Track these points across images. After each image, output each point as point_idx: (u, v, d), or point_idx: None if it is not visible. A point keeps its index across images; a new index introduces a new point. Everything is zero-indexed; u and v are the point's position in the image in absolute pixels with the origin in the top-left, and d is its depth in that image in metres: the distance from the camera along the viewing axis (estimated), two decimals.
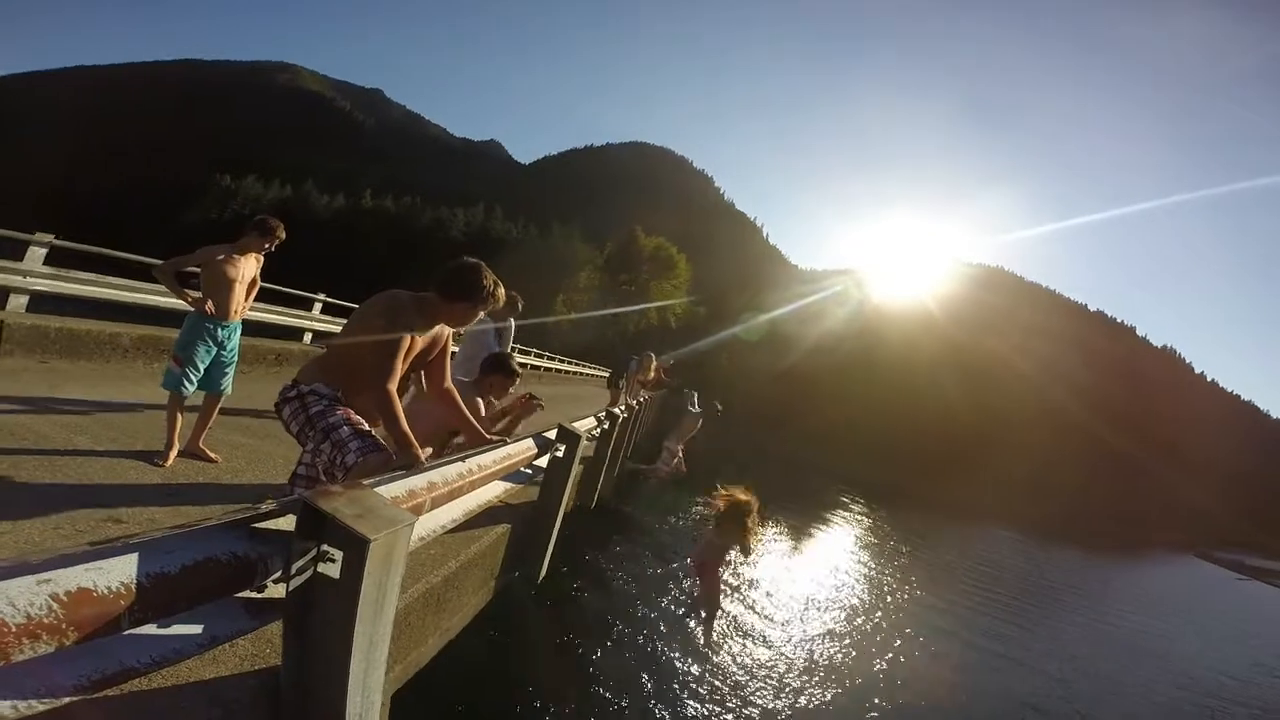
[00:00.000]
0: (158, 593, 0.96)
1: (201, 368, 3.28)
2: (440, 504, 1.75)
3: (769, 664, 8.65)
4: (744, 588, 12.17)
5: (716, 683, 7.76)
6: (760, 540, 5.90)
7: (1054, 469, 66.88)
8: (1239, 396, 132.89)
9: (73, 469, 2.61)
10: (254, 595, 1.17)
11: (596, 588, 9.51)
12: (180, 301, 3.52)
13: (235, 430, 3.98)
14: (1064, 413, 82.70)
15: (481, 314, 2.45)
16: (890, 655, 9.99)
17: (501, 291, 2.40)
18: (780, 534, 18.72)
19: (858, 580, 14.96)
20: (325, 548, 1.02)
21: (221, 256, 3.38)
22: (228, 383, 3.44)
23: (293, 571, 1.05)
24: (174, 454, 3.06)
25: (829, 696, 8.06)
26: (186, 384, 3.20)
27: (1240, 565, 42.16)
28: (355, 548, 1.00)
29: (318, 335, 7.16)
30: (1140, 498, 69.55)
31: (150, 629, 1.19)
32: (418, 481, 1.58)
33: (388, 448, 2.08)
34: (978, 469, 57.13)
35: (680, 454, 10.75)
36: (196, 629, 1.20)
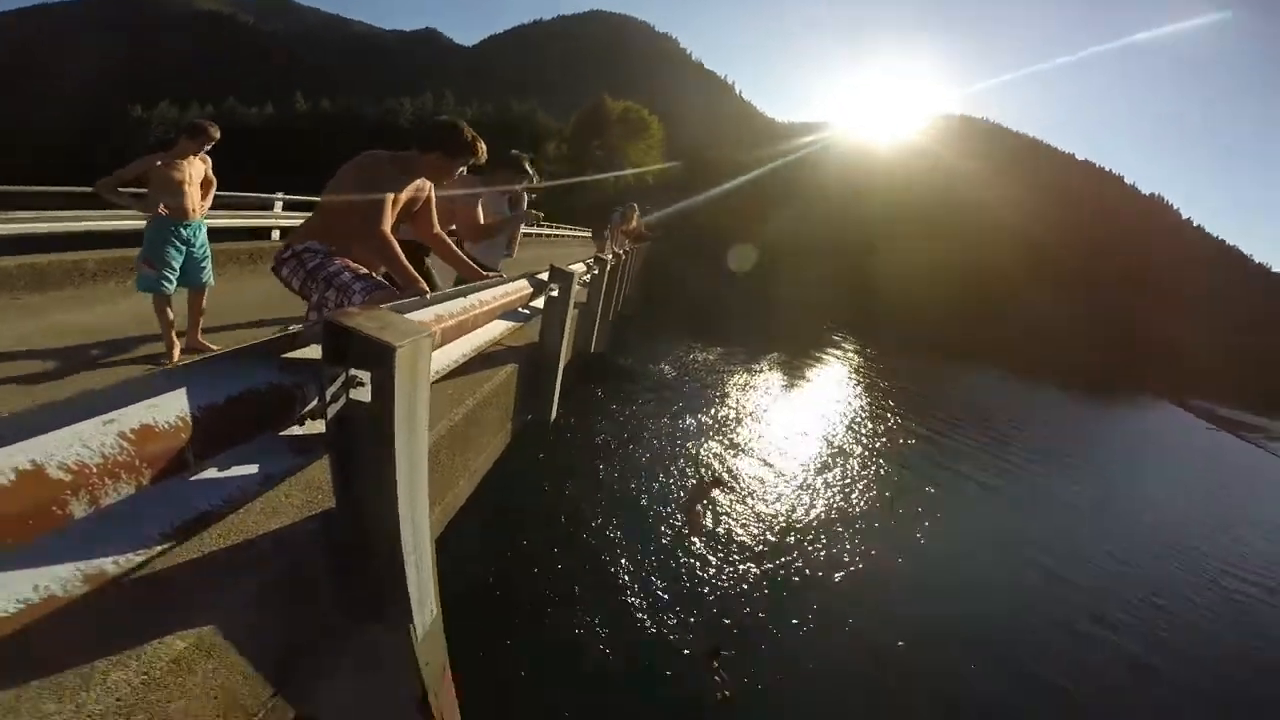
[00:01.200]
0: (211, 424, 1.05)
1: (176, 267, 3.30)
2: (449, 338, 1.85)
3: (760, 491, 9.77)
4: (744, 421, 13.28)
5: (724, 503, 8.85)
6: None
7: (1041, 314, 68.70)
8: (1224, 241, 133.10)
9: (83, 383, 2.67)
10: (298, 433, 1.29)
11: (601, 429, 10.60)
12: (135, 221, 3.47)
13: (230, 341, 4.03)
14: (1052, 260, 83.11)
15: (462, 169, 2.46)
16: (873, 487, 11.12)
17: (482, 145, 2.38)
18: (770, 367, 19.88)
19: (846, 415, 16.06)
20: (354, 372, 1.10)
21: (160, 163, 3.32)
22: (208, 274, 3.49)
23: (328, 399, 1.14)
24: (177, 352, 3.17)
25: (813, 519, 9.16)
26: (165, 284, 3.23)
27: (1211, 415, 42.56)
28: (382, 359, 1.07)
29: (285, 232, 7.02)
30: (1125, 343, 71.90)
31: (212, 473, 1.32)
32: (425, 314, 1.66)
33: (390, 288, 2.15)
34: (968, 313, 58.57)
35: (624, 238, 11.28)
36: (253, 469, 1.33)
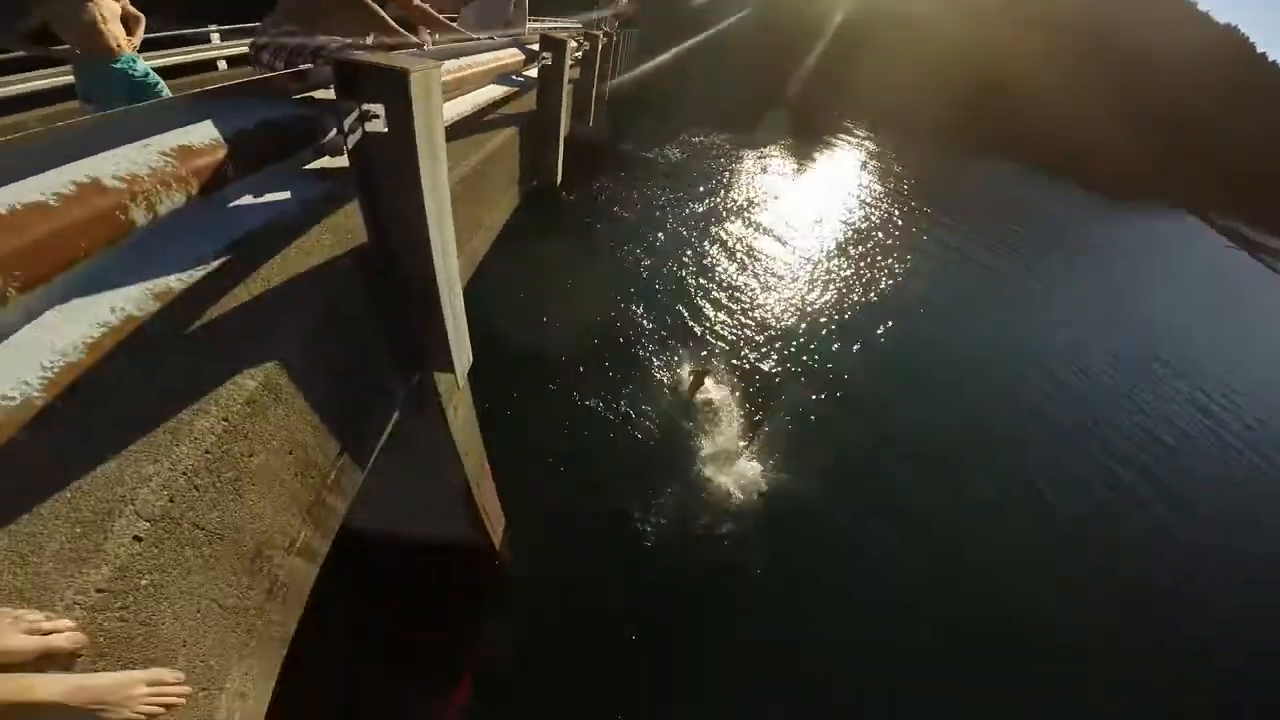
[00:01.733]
0: (242, 144, 1.12)
1: (125, 103, 2.94)
2: (449, 94, 1.82)
3: (768, 271, 10.09)
4: (756, 204, 13.17)
5: (722, 281, 9.19)
6: None
7: (1074, 113, 61.40)
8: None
9: None
10: (323, 165, 1.35)
11: (605, 203, 10.77)
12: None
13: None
14: (1075, 58, 71.09)
15: None
16: (882, 274, 11.22)
17: None
18: (780, 154, 19.01)
19: (848, 202, 15.59)
20: (367, 107, 1.12)
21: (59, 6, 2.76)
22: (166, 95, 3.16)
23: (345, 130, 1.18)
24: None
25: (822, 300, 9.49)
26: None
27: (1233, 233, 39.44)
28: (396, 86, 1.09)
29: (233, 61, 6.30)
30: (1162, 157, 65.00)
31: (249, 199, 1.42)
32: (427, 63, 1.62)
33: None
34: (989, 107, 52.67)
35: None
36: (286, 194, 1.42)
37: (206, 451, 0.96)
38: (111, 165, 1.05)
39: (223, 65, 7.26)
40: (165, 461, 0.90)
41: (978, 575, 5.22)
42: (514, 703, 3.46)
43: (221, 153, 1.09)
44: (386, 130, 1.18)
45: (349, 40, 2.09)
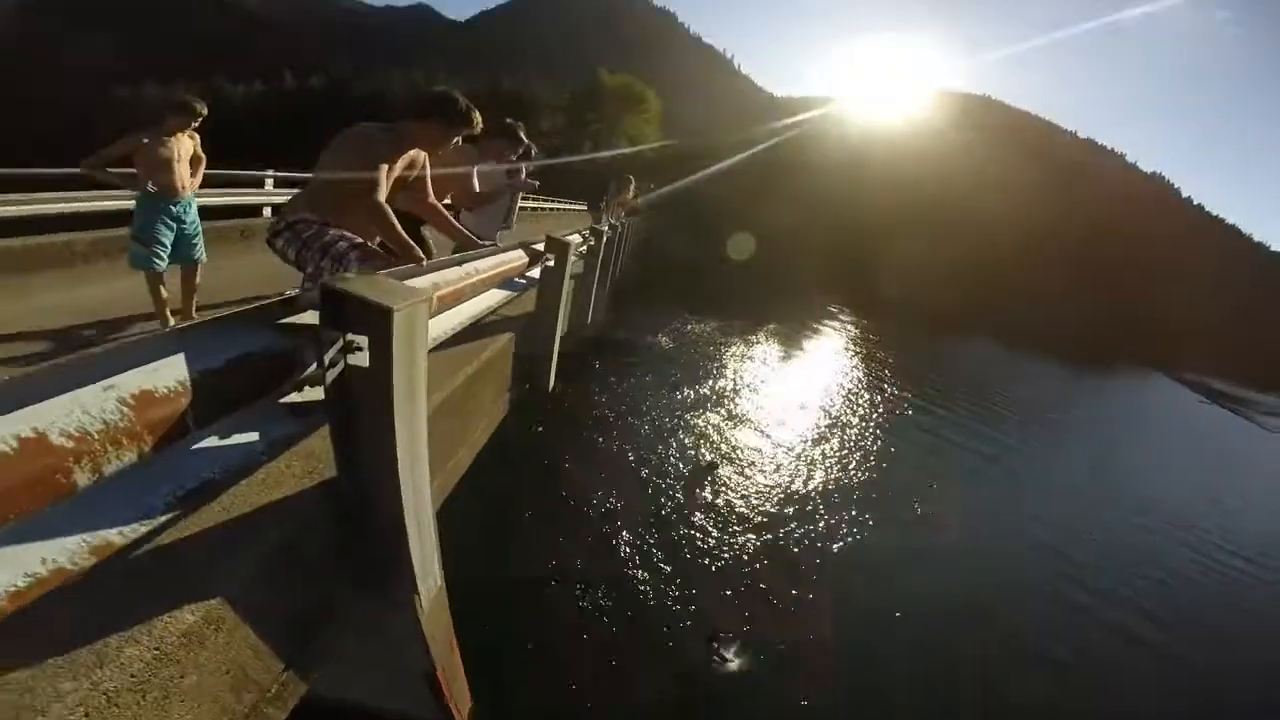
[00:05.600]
0: (210, 389, 1.05)
1: (167, 244, 3.28)
2: (446, 304, 1.85)
3: (757, 458, 9.96)
4: (742, 392, 13.46)
5: (715, 476, 9.00)
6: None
7: (1038, 290, 68.74)
8: (1224, 220, 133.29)
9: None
10: (297, 400, 1.29)
11: (599, 402, 10.76)
12: (125, 201, 3.46)
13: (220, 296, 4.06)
14: (1050, 235, 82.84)
15: (458, 140, 2.43)
16: (866, 449, 11.31)
17: (477, 115, 2.34)
18: (768, 339, 20.00)
19: (841, 386, 16.18)
20: (351, 337, 1.10)
21: (147, 140, 3.27)
22: (200, 251, 3.47)
23: (326, 364, 1.14)
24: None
25: (807, 486, 9.34)
26: (157, 260, 3.20)
27: (1206, 388, 42.77)
28: (379, 322, 1.07)
29: (277, 209, 7.01)
30: (1123, 318, 72.10)
31: (214, 441, 1.32)
32: (422, 281, 1.65)
33: (385, 256, 2.16)
34: (965, 287, 58.58)
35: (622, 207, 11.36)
36: (253, 436, 1.33)
37: (133, 675, 0.94)
38: (64, 416, 0.97)
39: (267, 212, 7.90)
40: (85, 681, 0.89)
41: None
42: None
43: (184, 401, 1.03)
44: (368, 364, 1.15)
45: (359, 240, 2.17)
